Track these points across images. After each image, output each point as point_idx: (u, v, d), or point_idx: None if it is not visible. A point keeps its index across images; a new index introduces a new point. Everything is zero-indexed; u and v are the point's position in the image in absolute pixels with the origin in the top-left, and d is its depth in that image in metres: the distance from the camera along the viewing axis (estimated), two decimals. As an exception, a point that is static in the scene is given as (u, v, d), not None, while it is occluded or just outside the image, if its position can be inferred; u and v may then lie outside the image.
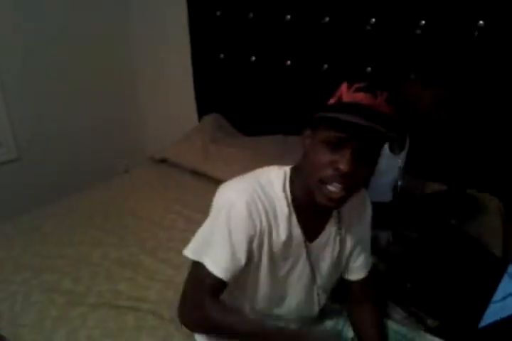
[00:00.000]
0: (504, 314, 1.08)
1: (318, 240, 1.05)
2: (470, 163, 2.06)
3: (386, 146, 1.43)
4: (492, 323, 1.11)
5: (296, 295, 1.10)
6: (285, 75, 2.41)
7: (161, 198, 2.15)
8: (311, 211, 1.00)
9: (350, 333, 1.21)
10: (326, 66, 2.25)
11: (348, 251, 1.13)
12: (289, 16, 2.26)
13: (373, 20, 2.03)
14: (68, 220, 2.00)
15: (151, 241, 1.82)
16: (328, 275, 1.12)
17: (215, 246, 0.94)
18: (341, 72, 2.20)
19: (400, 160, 1.53)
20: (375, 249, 1.53)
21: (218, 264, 0.93)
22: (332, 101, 0.90)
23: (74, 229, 1.92)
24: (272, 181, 0.99)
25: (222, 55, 2.62)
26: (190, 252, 0.98)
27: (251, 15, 2.38)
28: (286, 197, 0.98)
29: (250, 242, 0.95)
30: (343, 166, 0.84)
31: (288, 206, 0.98)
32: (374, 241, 1.54)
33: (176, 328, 1.33)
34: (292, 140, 2.39)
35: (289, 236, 0.99)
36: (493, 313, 1.14)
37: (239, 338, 0.94)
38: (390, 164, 1.48)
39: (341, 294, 1.24)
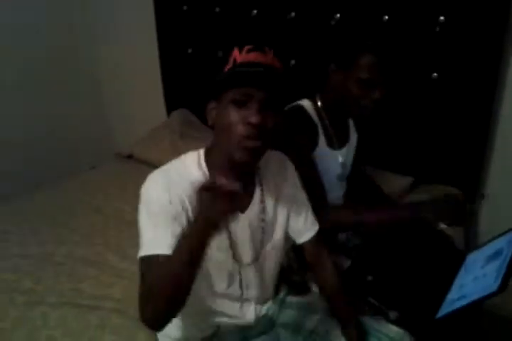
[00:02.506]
0: (460, 304, 1.11)
1: (247, 212, 1.07)
2: (434, 155, 2.10)
3: (323, 141, 1.41)
4: (449, 313, 1.13)
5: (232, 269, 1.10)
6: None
7: (127, 195, 2.10)
8: None
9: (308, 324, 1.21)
10: (293, 62, 2.26)
11: (283, 218, 1.15)
12: (255, 11, 2.26)
13: (338, 15, 2.05)
14: (32, 218, 1.97)
15: (117, 238, 1.80)
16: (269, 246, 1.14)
17: (148, 233, 0.95)
18: (308, 68, 2.21)
19: (340, 156, 1.48)
20: (335, 243, 1.55)
21: (160, 243, 0.92)
22: (228, 66, 0.94)
23: (38, 227, 1.89)
24: (187, 164, 1.03)
25: (190, 50, 2.60)
26: (141, 252, 0.96)
27: (218, 9, 2.37)
28: (204, 175, 1.01)
29: (177, 219, 0.95)
30: (253, 118, 0.88)
31: None
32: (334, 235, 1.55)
33: (141, 326, 1.32)
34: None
35: None
36: (450, 304, 1.17)
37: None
38: (330, 161, 1.45)
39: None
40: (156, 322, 0.93)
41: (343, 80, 1.34)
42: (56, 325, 1.33)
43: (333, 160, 1.46)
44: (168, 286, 0.85)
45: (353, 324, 1.16)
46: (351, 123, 1.58)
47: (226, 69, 0.94)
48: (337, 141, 1.47)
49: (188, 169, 1.02)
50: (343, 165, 1.49)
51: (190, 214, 0.98)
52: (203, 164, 1.03)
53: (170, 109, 2.85)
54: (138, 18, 2.74)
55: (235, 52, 0.94)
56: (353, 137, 1.57)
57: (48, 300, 1.43)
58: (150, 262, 0.92)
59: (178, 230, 0.93)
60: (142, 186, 1.00)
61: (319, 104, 1.43)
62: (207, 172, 1.02)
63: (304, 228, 1.21)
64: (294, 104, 1.45)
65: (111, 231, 1.85)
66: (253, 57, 0.91)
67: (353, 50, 1.32)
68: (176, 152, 2.56)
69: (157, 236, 0.94)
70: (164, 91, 2.84)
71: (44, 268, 1.61)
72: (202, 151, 1.06)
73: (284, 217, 1.17)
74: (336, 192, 1.54)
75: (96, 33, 2.94)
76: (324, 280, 1.24)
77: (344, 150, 1.50)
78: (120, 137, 3.20)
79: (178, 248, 0.86)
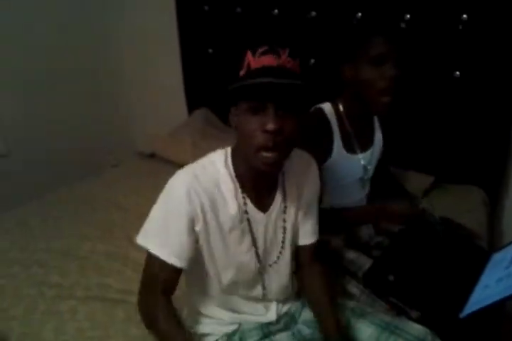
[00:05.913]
0: (484, 304, 1.11)
1: (269, 212, 1.09)
2: (456, 154, 2.09)
3: (340, 146, 1.40)
4: (473, 312, 1.13)
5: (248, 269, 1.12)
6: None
7: (149, 192, 2.09)
8: (256, 184, 1.05)
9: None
10: (312, 61, 2.27)
11: (294, 219, 1.16)
12: (276, 11, 2.27)
13: (359, 14, 2.05)
14: (55, 214, 2.01)
15: (138, 233, 1.82)
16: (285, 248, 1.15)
17: (162, 232, 1.00)
18: (328, 68, 2.21)
19: (362, 160, 1.46)
20: (357, 243, 1.55)
21: (166, 249, 0.99)
22: (242, 72, 0.94)
23: (61, 223, 1.93)
24: (214, 161, 1.05)
25: (210, 50, 2.62)
26: (140, 239, 1.03)
27: (239, 9, 2.39)
28: (230, 173, 1.03)
29: (191, 223, 0.99)
30: (269, 125, 0.88)
31: (232, 181, 1.03)
32: (355, 235, 1.55)
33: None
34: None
35: (240, 209, 1.04)
36: (474, 303, 1.17)
37: None
38: (349, 165, 1.44)
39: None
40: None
41: (355, 71, 1.30)
42: (84, 318, 1.36)
43: (354, 164, 1.45)
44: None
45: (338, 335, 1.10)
46: (376, 123, 1.56)
47: (241, 74, 0.94)
48: (359, 145, 1.44)
49: (216, 167, 1.04)
50: (365, 168, 1.48)
51: (208, 214, 1.00)
52: (230, 163, 1.05)
53: (191, 108, 2.88)
54: (160, 18, 2.78)
55: (249, 56, 0.92)
56: (378, 138, 1.56)
57: (75, 294, 1.47)
58: (155, 262, 1.00)
59: (189, 240, 1.00)
60: (169, 180, 1.03)
61: (340, 107, 1.40)
62: (232, 172, 1.04)
63: (305, 233, 1.20)
64: (314, 107, 1.44)
65: (132, 227, 1.87)
66: (266, 61, 0.90)
67: (360, 36, 1.30)
68: (197, 151, 2.61)
69: (169, 241, 0.99)
70: (185, 90, 2.88)
71: (69, 262, 1.65)
72: (229, 149, 1.07)
73: (302, 218, 1.18)
74: (357, 195, 1.53)
75: (118, 32, 2.98)
76: (310, 286, 1.22)
77: (368, 152, 1.48)
78: (142, 136, 3.23)
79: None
